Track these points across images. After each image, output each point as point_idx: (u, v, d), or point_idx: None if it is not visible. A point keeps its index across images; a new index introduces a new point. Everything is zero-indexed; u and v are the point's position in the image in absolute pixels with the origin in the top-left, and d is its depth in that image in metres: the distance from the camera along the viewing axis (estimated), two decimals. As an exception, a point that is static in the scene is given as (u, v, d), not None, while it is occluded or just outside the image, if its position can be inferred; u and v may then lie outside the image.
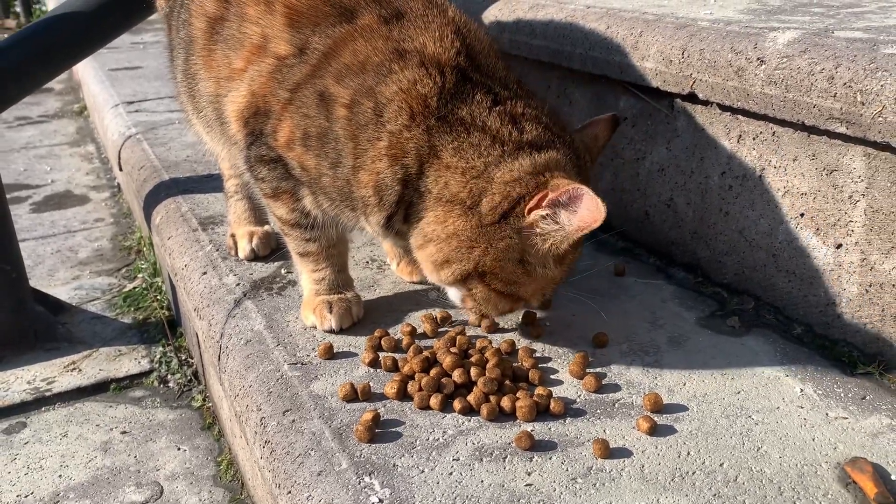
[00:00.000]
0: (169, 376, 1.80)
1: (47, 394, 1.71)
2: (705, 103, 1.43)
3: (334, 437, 1.06)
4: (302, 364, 1.25)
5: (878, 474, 0.97)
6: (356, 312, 1.36)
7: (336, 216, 1.29)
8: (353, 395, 1.14)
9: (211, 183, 2.08)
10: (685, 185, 1.53)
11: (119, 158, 2.75)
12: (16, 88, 1.84)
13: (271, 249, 1.64)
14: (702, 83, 1.40)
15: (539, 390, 1.13)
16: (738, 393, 1.15)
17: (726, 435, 1.06)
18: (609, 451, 1.02)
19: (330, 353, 1.26)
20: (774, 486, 0.97)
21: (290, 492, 1.01)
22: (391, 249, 1.54)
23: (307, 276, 1.38)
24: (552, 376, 1.20)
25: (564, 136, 1.20)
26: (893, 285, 1.19)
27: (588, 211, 1.06)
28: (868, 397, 1.14)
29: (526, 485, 0.97)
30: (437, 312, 1.36)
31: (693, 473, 0.99)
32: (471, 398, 1.11)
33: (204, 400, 1.71)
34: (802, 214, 1.31)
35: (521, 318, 1.34)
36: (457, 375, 1.15)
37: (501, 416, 1.10)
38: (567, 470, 1.00)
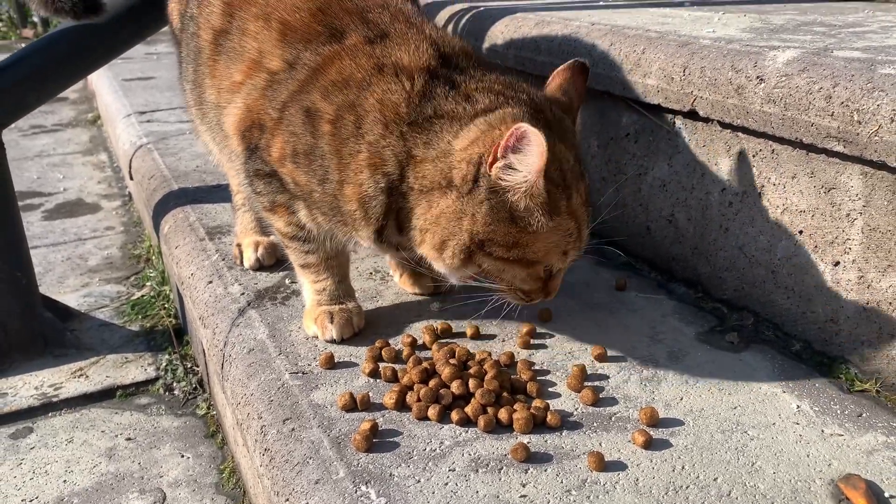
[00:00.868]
0: (174, 384, 1.82)
1: (54, 399, 1.73)
2: (706, 120, 1.45)
3: (333, 446, 1.08)
4: (303, 373, 1.26)
5: (872, 491, 0.97)
6: (357, 323, 1.38)
7: (331, 230, 1.31)
8: (352, 405, 1.16)
9: (219, 193, 2.11)
10: (686, 201, 1.54)
11: (130, 167, 2.79)
12: (33, 96, 1.88)
13: (276, 259, 1.66)
14: (702, 100, 1.41)
15: (536, 403, 1.14)
16: (735, 408, 1.16)
17: (721, 450, 1.07)
18: (604, 464, 1.03)
19: (331, 363, 1.28)
20: (768, 501, 0.97)
21: (288, 499, 1.03)
22: (393, 261, 1.56)
23: (309, 287, 1.40)
24: (550, 389, 1.21)
25: (520, 95, 1.20)
26: (890, 303, 1.20)
27: (536, 147, 1.05)
28: (864, 414, 1.14)
29: (520, 496, 0.98)
30: (437, 324, 1.38)
31: (687, 487, 1.00)
32: (468, 409, 1.13)
33: (208, 408, 1.73)
34: (801, 231, 1.31)
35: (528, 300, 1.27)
36: (455, 387, 1.16)
37: (498, 427, 1.12)
38: (562, 482, 1.01)
